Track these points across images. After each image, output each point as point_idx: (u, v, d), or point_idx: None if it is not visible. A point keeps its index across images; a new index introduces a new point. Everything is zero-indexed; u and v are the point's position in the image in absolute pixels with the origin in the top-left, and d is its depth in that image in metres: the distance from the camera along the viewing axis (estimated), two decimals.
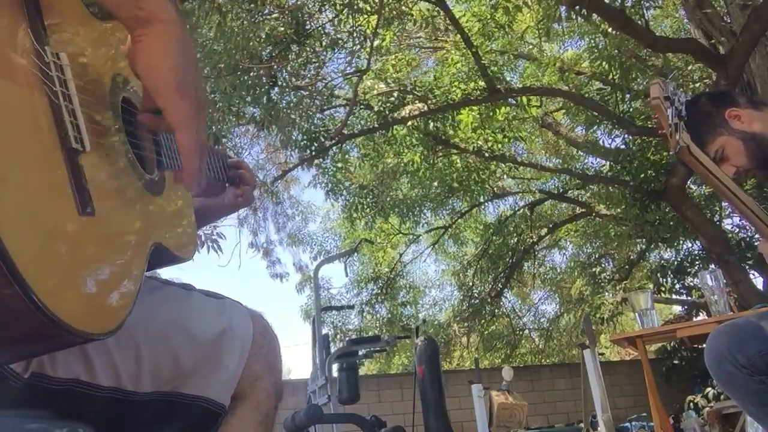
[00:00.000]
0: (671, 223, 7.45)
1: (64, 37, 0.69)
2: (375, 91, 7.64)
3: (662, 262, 9.20)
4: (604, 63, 7.02)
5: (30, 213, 0.54)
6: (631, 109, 7.91)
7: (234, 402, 0.89)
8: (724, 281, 2.92)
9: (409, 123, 7.49)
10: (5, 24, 0.58)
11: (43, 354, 0.67)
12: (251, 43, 5.86)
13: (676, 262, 8.89)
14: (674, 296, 9.69)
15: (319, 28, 6.65)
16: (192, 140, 0.76)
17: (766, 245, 1.50)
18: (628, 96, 7.64)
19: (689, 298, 9.40)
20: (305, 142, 7.20)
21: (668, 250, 9.15)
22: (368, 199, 8.91)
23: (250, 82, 6.14)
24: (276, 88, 6.69)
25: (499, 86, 7.07)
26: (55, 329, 0.54)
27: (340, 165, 8.38)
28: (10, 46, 0.58)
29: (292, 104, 6.78)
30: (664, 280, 8.80)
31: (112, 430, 0.79)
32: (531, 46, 9.10)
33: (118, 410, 0.78)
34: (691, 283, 8.63)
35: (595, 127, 8.54)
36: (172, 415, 0.83)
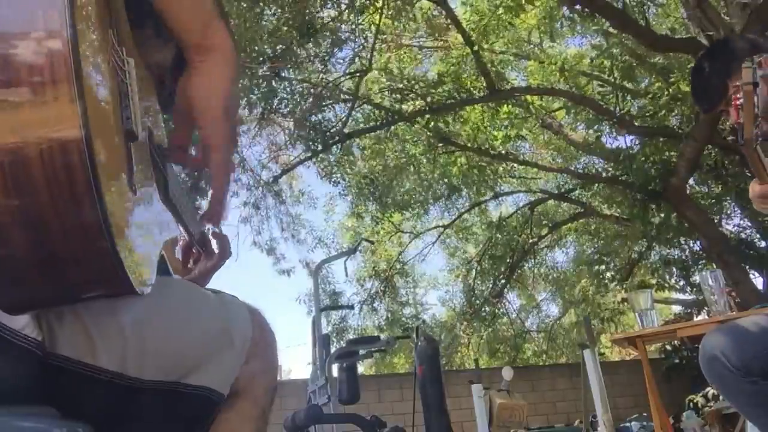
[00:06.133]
0: (673, 223, 7.45)
1: (128, 50, 0.78)
2: (378, 87, 7.65)
3: (668, 255, 9.15)
4: (605, 61, 7.03)
5: (111, 176, 0.64)
6: (632, 109, 7.90)
7: (233, 398, 0.90)
8: (725, 281, 2.92)
9: (412, 120, 7.50)
10: (98, 23, 0.68)
11: (79, 299, 0.70)
12: (254, 38, 5.86)
13: (681, 259, 8.86)
14: (678, 294, 9.69)
15: (322, 26, 6.65)
16: (226, 160, 0.84)
17: (756, 186, 1.46)
18: (629, 96, 7.64)
19: (692, 296, 9.40)
20: (311, 135, 7.20)
21: (671, 248, 9.14)
22: (371, 191, 8.88)
23: (251, 76, 6.14)
24: (277, 79, 6.70)
25: (498, 86, 7.07)
26: (116, 276, 0.63)
27: (345, 158, 8.37)
28: (104, 38, 0.68)
29: (296, 100, 6.79)
30: (669, 277, 8.79)
31: (113, 420, 0.78)
32: (532, 46, 9.10)
33: (120, 398, 0.78)
34: (695, 281, 8.61)
35: (596, 127, 8.55)
36: (173, 405, 0.83)
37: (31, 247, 0.60)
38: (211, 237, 1.27)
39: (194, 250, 1.24)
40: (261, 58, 6.16)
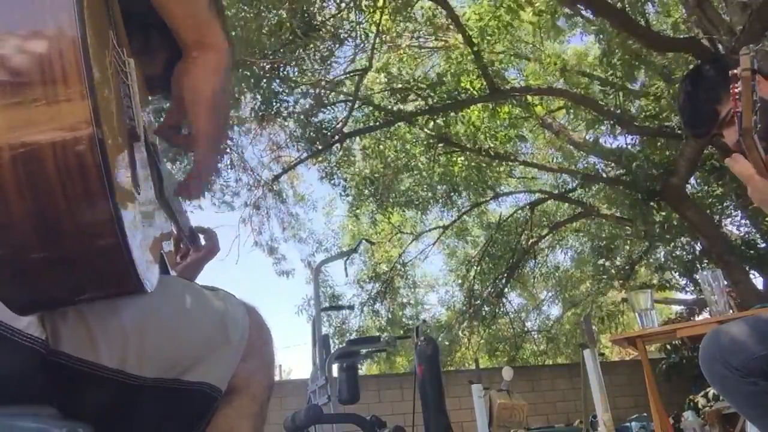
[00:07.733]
0: (675, 222, 7.45)
1: (126, 51, 0.79)
2: (378, 87, 7.65)
3: (671, 254, 9.13)
4: (605, 59, 7.02)
5: (119, 172, 0.64)
6: (633, 109, 7.90)
7: (231, 395, 0.91)
8: (725, 282, 2.91)
9: (412, 120, 7.49)
10: (100, 24, 0.69)
11: (89, 297, 0.69)
12: (253, 37, 5.86)
13: (684, 258, 8.85)
14: (680, 294, 9.68)
15: (322, 23, 6.64)
16: (210, 154, 0.87)
17: (738, 164, 1.38)
18: (624, 94, 7.63)
19: (693, 296, 9.40)
20: (312, 134, 7.21)
21: (674, 248, 9.13)
22: (371, 191, 8.87)
23: (251, 76, 6.14)
24: (278, 81, 6.70)
25: (499, 85, 7.07)
26: (128, 275, 0.63)
27: (345, 158, 8.37)
28: (105, 41, 0.69)
29: (296, 98, 6.80)
30: (671, 276, 8.78)
31: (114, 417, 0.79)
32: (532, 45, 9.10)
33: (121, 396, 0.78)
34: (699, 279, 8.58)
35: (596, 126, 8.54)
36: (172, 402, 0.84)
37: (45, 246, 0.59)
38: (199, 233, 1.29)
39: (182, 246, 1.25)
40: (261, 57, 6.15)
